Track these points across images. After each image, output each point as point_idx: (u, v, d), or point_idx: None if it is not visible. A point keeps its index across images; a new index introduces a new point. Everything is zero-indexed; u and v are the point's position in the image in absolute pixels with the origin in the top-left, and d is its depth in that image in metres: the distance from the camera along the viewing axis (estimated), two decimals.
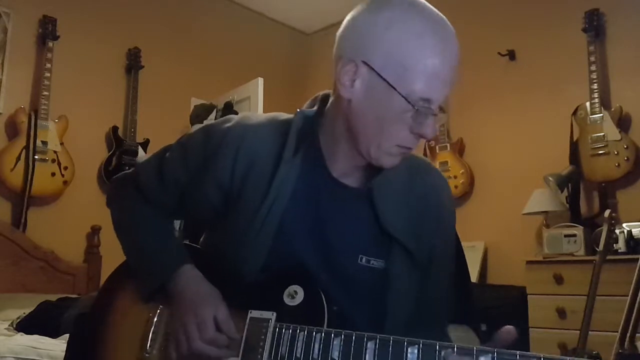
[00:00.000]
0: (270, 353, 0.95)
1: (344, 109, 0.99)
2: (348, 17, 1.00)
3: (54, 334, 2.29)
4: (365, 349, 0.88)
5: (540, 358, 0.79)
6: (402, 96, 0.92)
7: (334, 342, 0.90)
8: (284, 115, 1.09)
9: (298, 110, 1.07)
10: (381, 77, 0.93)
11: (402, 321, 1.01)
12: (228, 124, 1.08)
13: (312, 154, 1.04)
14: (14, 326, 2.59)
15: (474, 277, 3.64)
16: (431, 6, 0.98)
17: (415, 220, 1.05)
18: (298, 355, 0.92)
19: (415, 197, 1.06)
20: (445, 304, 1.10)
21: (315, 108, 1.07)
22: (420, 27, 0.93)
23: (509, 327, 0.85)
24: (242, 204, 1.04)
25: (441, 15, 0.97)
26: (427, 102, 0.93)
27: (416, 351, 0.85)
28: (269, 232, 1.02)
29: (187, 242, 1.21)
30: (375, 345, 0.87)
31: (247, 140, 1.04)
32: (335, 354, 0.90)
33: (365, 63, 0.95)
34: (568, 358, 0.79)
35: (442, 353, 0.83)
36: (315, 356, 0.91)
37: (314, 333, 0.93)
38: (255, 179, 1.03)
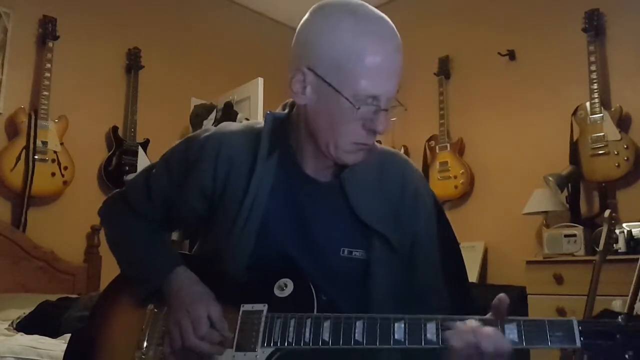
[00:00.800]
0: (263, 341, 0.98)
1: (303, 114, 1.05)
2: (297, 28, 1.04)
3: (54, 334, 2.29)
4: (355, 328, 0.92)
5: (520, 322, 0.86)
6: (345, 98, 0.96)
7: (324, 325, 0.94)
8: (261, 124, 1.14)
9: (268, 112, 1.12)
10: (325, 81, 0.98)
11: (386, 308, 1.04)
12: (207, 133, 1.13)
13: (285, 154, 1.09)
14: (14, 326, 2.58)
15: (474, 277, 3.64)
16: (367, 5, 1.01)
17: (391, 210, 1.09)
18: (290, 340, 0.96)
19: (388, 188, 1.11)
20: (435, 290, 1.12)
21: (286, 111, 1.13)
22: (354, 27, 0.97)
23: (501, 295, 0.88)
24: (225, 206, 1.08)
25: (377, 12, 1.01)
26: (375, 99, 0.98)
27: (403, 326, 0.90)
28: (252, 230, 1.06)
29: (180, 252, 1.24)
30: (364, 324, 0.92)
31: (225, 146, 1.09)
32: (326, 336, 0.94)
33: (310, 69, 0.99)
34: (546, 319, 0.84)
35: (428, 325, 0.88)
36: (307, 340, 0.94)
37: (305, 318, 0.96)
38: (234, 182, 1.07)
